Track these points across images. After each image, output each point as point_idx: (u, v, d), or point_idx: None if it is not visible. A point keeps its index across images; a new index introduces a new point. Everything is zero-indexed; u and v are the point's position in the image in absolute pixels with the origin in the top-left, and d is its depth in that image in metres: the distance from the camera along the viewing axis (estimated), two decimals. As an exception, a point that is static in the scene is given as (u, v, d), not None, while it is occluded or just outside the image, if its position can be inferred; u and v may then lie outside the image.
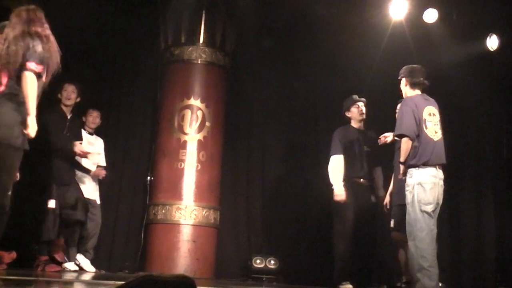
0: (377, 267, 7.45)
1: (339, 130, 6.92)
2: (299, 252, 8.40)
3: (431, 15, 7.64)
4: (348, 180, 6.71)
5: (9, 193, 4.36)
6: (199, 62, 7.88)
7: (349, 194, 6.63)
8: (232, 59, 8.25)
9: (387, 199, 6.72)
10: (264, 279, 7.81)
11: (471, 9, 7.66)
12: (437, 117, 5.64)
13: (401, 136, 5.54)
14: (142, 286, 1.93)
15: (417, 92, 5.74)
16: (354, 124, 6.93)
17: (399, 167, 5.73)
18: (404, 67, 5.85)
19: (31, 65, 4.32)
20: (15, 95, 4.35)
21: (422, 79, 5.77)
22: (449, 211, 7.73)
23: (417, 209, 5.38)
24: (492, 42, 7.86)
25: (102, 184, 7.26)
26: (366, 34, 7.81)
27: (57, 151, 6.42)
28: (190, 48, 7.83)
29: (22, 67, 4.32)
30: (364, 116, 6.93)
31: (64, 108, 6.64)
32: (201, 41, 7.95)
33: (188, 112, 7.77)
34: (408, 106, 5.57)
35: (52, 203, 6.30)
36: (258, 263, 7.87)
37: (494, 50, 7.86)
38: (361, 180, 6.80)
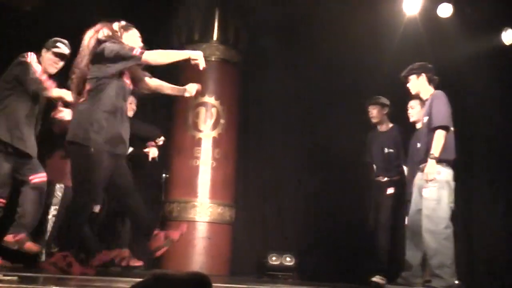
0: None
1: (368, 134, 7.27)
2: (315, 248, 8.40)
3: (445, 10, 7.58)
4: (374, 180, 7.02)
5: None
6: (213, 59, 7.87)
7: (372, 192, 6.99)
8: (245, 56, 8.24)
9: None
10: (279, 276, 7.78)
11: (486, 3, 7.60)
12: None
13: (444, 128, 5.44)
14: (157, 284, 1.93)
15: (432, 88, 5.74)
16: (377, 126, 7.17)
17: (416, 162, 5.82)
18: (418, 64, 5.81)
19: None
20: None
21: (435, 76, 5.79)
22: (462, 207, 7.68)
23: (446, 207, 5.39)
24: (508, 36, 7.77)
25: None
26: (379, 30, 7.76)
27: None
28: (203, 46, 7.81)
29: None
30: (374, 120, 7.11)
31: None
32: (214, 38, 7.96)
33: (202, 110, 7.79)
34: (445, 98, 5.56)
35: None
36: (273, 260, 7.85)
37: (510, 45, 7.78)
38: (380, 177, 6.96)
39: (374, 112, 7.11)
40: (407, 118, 6.62)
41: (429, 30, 7.60)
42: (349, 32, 7.72)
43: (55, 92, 5.26)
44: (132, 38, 4.78)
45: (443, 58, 7.21)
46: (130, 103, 6.64)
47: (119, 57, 4.53)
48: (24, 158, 5.35)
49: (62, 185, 6.21)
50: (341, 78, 8.41)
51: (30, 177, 5.37)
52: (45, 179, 5.46)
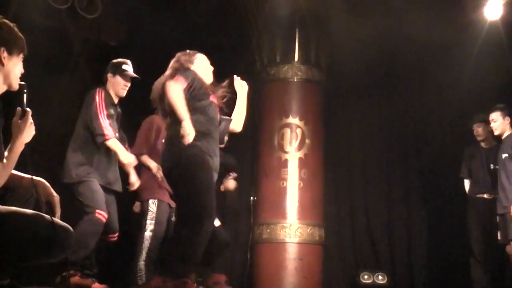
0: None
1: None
2: (408, 266, 8.26)
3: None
4: (472, 197, 7.02)
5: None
6: (295, 80, 7.89)
7: (472, 210, 6.97)
8: (328, 75, 8.22)
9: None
10: (373, 294, 7.72)
11: None
12: None
13: None
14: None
15: None
16: (481, 143, 7.13)
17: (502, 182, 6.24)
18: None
19: None
20: None
21: None
22: None
23: None
24: None
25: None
26: (460, 37, 7.60)
27: None
28: (285, 67, 7.84)
29: None
30: (480, 138, 7.08)
31: None
32: (296, 59, 7.98)
33: (287, 131, 7.80)
34: None
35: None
36: (366, 278, 7.77)
37: None
38: (485, 195, 6.90)
39: (479, 130, 7.06)
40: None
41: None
42: (429, 41, 7.59)
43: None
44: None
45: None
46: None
47: None
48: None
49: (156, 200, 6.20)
50: (425, 97, 8.31)
51: None
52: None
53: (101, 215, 5.18)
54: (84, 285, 5.19)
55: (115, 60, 5.58)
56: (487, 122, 6.89)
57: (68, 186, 5.25)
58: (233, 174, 6.81)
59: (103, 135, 5.24)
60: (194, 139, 4.39)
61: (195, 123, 4.44)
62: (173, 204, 5.78)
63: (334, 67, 8.28)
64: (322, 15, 7.84)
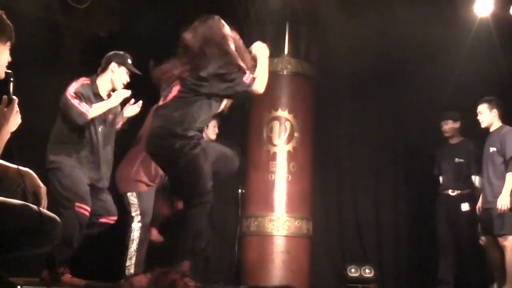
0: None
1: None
2: (394, 259, 8.31)
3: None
4: (440, 193, 7.28)
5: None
6: (285, 73, 7.89)
7: (440, 207, 7.23)
8: (319, 69, 8.21)
9: (479, 204, 6.68)
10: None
11: None
12: None
13: None
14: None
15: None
16: (449, 140, 7.41)
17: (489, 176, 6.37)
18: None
19: None
20: None
21: None
22: None
23: None
24: None
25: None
26: (450, 34, 7.63)
27: None
28: (275, 60, 7.83)
29: None
30: (447, 135, 7.35)
31: None
32: (285, 52, 7.97)
33: (276, 124, 7.80)
34: None
35: None
36: (353, 272, 7.83)
37: None
38: (449, 191, 7.15)
39: (446, 127, 7.29)
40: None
41: (502, 32, 7.41)
42: (419, 37, 7.61)
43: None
44: None
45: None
46: (214, 127, 6.75)
47: None
48: None
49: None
50: (414, 91, 8.35)
51: None
52: None
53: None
54: (75, 283, 5.16)
55: (118, 51, 5.50)
56: (454, 119, 7.22)
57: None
58: None
59: (81, 114, 5.13)
60: None
61: None
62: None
63: (325, 62, 8.28)
64: (313, 8, 7.81)
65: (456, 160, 7.14)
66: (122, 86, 5.44)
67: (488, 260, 6.56)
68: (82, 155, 5.29)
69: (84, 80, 5.32)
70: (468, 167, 7.09)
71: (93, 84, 5.36)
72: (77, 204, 5.09)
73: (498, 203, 6.12)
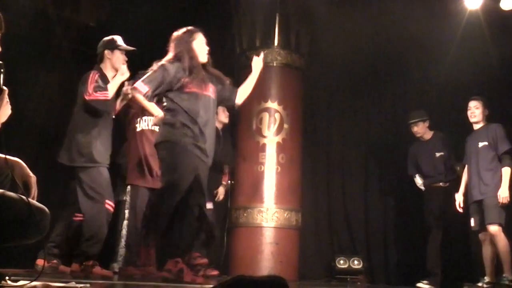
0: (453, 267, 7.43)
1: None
2: (382, 251, 8.35)
3: (508, 2, 7.36)
4: (427, 189, 7.40)
5: None
6: (274, 64, 7.89)
7: (429, 201, 7.30)
8: (307, 60, 8.22)
9: (459, 199, 6.70)
10: (348, 279, 7.80)
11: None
12: None
13: None
14: (238, 285, 1.95)
15: None
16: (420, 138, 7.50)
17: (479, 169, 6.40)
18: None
19: None
20: None
21: None
22: None
23: None
24: None
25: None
26: (440, 27, 7.64)
27: None
28: (265, 51, 7.81)
29: None
30: (419, 135, 7.43)
31: None
32: (275, 43, 7.97)
33: (266, 115, 7.80)
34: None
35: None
36: (341, 263, 7.87)
37: None
38: (440, 183, 7.24)
39: (417, 128, 7.41)
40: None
41: (492, 24, 7.43)
42: (410, 31, 7.63)
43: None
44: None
45: (507, 54, 7.11)
46: (223, 111, 7.04)
47: None
48: None
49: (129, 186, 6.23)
50: (402, 81, 8.38)
51: None
52: None
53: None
54: (105, 275, 5.32)
55: (105, 38, 5.63)
56: (423, 119, 7.36)
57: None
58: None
59: (104, 101, 5.36)
60: None
61: None
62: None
63: (315, 54, 8.29)
64: (303, 0, 7.83)
65: (437, 154, 7.25)
66: (124, 66, 5.57)
67: (483, 253, 6.53)
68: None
69: (95, 74, 5.47)
70: (450, 158, 7.22)
71: (102, 74, 5.54)
72: (106, 201, 5.36)
73: (499, 196, 6.19)
